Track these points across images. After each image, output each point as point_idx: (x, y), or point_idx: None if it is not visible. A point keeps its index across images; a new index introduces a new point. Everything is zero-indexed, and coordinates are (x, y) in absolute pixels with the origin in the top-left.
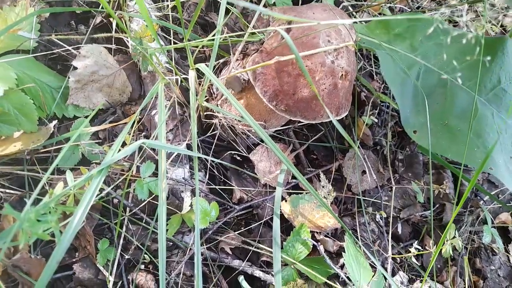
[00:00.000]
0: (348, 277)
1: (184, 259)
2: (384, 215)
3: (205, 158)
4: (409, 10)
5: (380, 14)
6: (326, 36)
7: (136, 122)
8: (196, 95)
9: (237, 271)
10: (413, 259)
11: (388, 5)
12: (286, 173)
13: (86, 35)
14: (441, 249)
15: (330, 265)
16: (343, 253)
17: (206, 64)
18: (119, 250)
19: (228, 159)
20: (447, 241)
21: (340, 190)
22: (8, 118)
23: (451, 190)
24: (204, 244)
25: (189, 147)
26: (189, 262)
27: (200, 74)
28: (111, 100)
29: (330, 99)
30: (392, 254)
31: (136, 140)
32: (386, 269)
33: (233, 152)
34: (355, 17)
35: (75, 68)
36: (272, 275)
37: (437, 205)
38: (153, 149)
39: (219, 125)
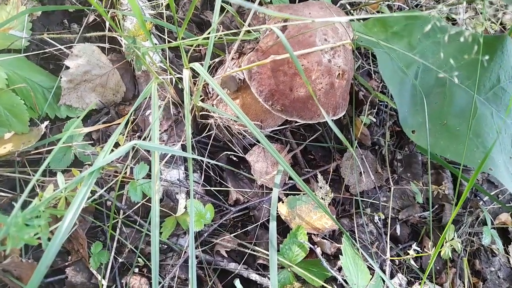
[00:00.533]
0: (345, 280)
1: (179, 262)
2: (383, 216)
3: (201, 159)
4: (407, 8)
5: (378, 12)
6: (322, 35)
7: (130, 122)
8: (191, 95)
9: (233, 274)
10: (412, 261)
11: (387, 3)
12: (283, 174)
13: (78, 34)
14: (440, 251)
15: (327, 268)
16: (340, 255)
17: (201, 63)
18: (112, 253)
19: (224, 160)
20: (446, 242)
21: (338, 191)
22: None
23: (450, 191)
24: (199, 247)
25: (184, 147)
26: (184, 265)
27: (195, 74)
28: (104, 100)
29: (327, 98)
30: (391, 256)
31: (130, 141)
32: (384, 272)
33: (229, 152)
34: (352, 15)
35: (67, 67)
36: (269, 278)
37: (436, 206)
38: (147, 150)
39: (215, 125)
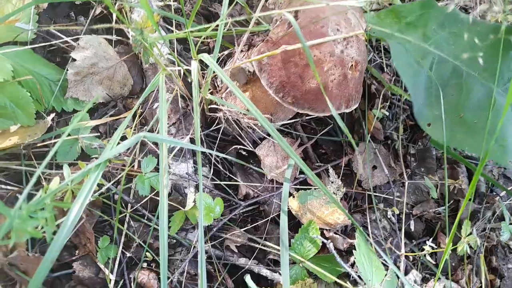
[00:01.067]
0: (359, 276)
1: (188, 257)
2: (396, 212)
3: (209, 153)
4: None
5: (390, 4)
6: (335, 25)
7: (138, 116)
8: (200, 88)
9: (243, 270)
10: (427, 257)
11: None
12: (293, 168)
13: (85, 26)
14: (456, 247)
15: (340, 264)
16: (353, 251)
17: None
18: (120, 248)
19: (233, 154)
20: (463, 238)
21: (350, 186)
22: (4, 111)
23: (466, 186)
24: (209, 242)
25: (192, 141)
26: (193, 260)
27: (203, 66)
28: (111, 93)
29: (339, 90)
30: (405, 252)
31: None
32: (399, 268)
33: (238, 146)
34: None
35: (74, 60)
36: (280, 273)
37: (451, 201)
38: (155, 143)
39: (224, 118)
